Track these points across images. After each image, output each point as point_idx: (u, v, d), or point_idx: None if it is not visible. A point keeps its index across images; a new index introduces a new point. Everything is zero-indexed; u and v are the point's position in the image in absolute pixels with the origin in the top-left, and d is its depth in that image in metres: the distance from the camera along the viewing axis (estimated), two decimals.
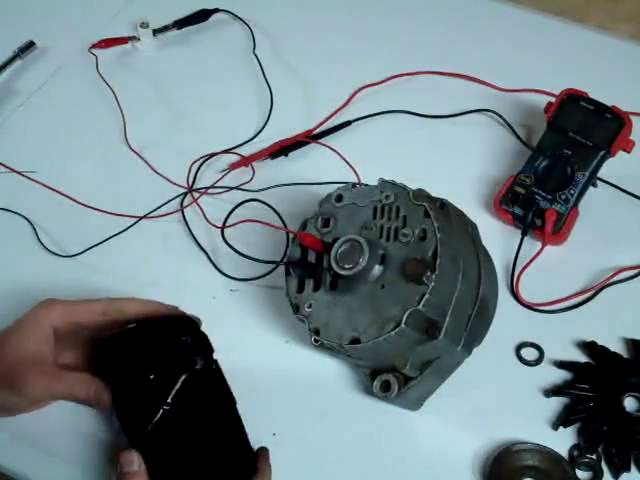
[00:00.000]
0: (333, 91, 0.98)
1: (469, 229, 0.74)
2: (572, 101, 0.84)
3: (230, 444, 0.65)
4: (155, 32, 1.03)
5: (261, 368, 0.76)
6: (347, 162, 0.88)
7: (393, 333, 0.66)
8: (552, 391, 0.74)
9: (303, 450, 0.72)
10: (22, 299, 0.75)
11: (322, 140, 0.93)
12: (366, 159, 0.88)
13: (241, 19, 1.06)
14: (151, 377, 0.63)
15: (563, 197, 0.82)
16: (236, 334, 0.78)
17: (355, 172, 0.87)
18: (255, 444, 0.67)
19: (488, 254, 0.77)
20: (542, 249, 0.82)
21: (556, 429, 0.72)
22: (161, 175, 0.91)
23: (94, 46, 1.02)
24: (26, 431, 0.72)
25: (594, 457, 0.71)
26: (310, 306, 0.71)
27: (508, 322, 0.77)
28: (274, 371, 0.77)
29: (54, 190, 0.89)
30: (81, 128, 0.96)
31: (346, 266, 0.69)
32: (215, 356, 0.67)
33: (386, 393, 0.71)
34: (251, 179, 0.90)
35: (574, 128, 0.83)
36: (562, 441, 0.72)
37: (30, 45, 1.02)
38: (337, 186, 0.76)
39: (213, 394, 0.65)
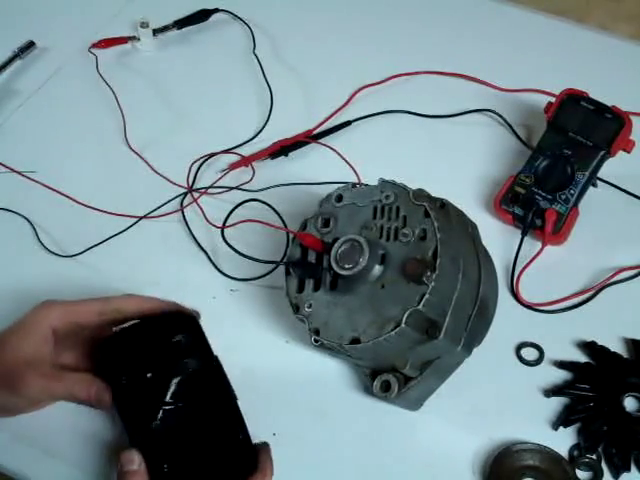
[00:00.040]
0: (333, 91, 0.98)
1: (469, 229, 0.74)
2: (572, 101, 0.84)
3: (230, 440, 0.65)
4: (155, 32, 1.03)
5: (261, 368, 0.76)
6: (347, 162, 0.88)
7: (393, 333, 0.66)
8: (552, 391, 0.74)
9: (303, 450, 0.72)
10: (22, 299, 0.75)
11: (322, 140, 0.93)
12: (366, 159, 0.88)
13: (241, 19, 1.06)
14: (148, 375, 0.63)
15: (563, 197, 0.82)
16: (236, 334, 0.78)
17: (355, 172, 0.87)
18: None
19: (488, 254, 0.77)
20: (542, 249, 0.82)
21: (556, 429, 0.72)
22: (161, 175, 0.91)
23: (94, 46, 1.02)
24: (26, 431, 0.72)
25: (594, 457, 0.71)
26: (310, 306, 0.71)
27: (508, 322, 0.77)
28: (274, 371, 0.77)
29: (54, 190, 0.89)
30: (81, 128, 0.96)
31: (346, 266, 0.69)
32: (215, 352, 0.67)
33: (386, 393, 0.71)
34: (251, 179, 0.90)
35: (574, 128, 0.83)
36: (562, 441, 0.72)
37: (30, 45, 1.03)
38: (337, 186, 0.76)
39: (213, 390, 0.65)
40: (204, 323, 0.68)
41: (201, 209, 0.87)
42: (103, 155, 0.94)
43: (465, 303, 0.70)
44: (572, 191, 0.82)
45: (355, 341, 0.68)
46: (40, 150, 0.94)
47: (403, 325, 0.65)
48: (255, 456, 0.65)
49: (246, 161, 0.91)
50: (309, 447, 0.73)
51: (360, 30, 1.05)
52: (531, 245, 0.83)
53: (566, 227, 0.82)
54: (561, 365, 0.76)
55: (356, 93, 0.97)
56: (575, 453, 0.71)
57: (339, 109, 0.96)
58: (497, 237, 0.84)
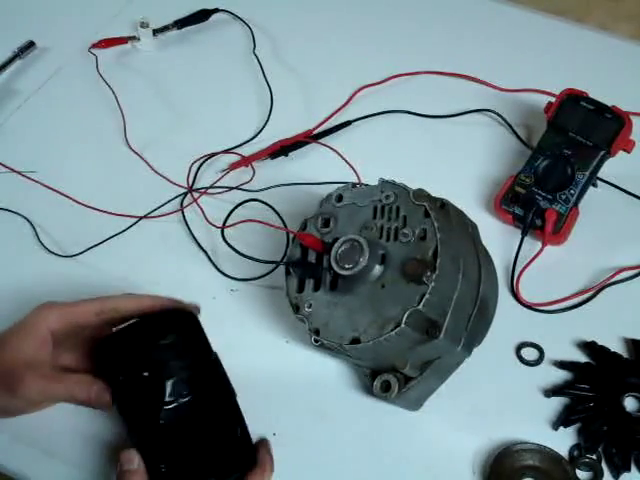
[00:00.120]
0: (333, 91, 0.98)
1: (469, 229, 0.74)
2: (572, 101, 0.84)
3: (229, 437, 0.65)
4: (155, 32, 1.03)
5: (261, 368, 0.76)
6: (347, 162, 0.88)
7: (393, 333, 0.66)
8: (552, 391, 0.74)
9: (303, 450, 0.72)
10: (22, 299, 0.75)
11: (322, 140, 0.93)
12: (366, 159, 0.88)
13: (241, 19, 1.06)
14: (145, 374, 0.63)
15: (563, 197, 0.82)
16: (236, 334, 0.78)
17: (355, 172, 0.87)
18: None
19: (488, 254, 0.77)
20: (542, 249, 0.82)
21: (556, 429, 0.72)
22: (161, 175, 0.91)
23: (94, 46, 1.02)
24: (26, 432, 0.72)
25: (594, 457, 0.71)
26: (310, 306, 0.71)
27: (508, 322, 0.77)
28: (274, 371, 0.77)
29: (54, 190, 0.89)
30: (81, 128, 0.96)
31: (346, 266, 0.69)
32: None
33: (386, 393, 0.71)
34: (251, 179, 0.90)
35: (574, 128, 0.83)
36: (562, 441, 0.72)
37: (30, 45, 1.03)
38: (337, 186, 0.76)
39: (211, 387, 0.65)
40: (204, 323, 0.68)
41: (201, 209, 0.87)
42: (103, 155, 0.94)
43: (465, 303, 0.70)
44: (572, 191, 0.82)
45: (355, 341, 0.68)
46: (40, 150, 0.94)
47: (403, 325, 0.65)
48: (254, 452, 0.65)
49: (246, 161, 0.91)
50: (309, 447, 0.73)
51: (360, 30, 1.05)
52: (531, 245, 0.83)
53: (566, 227, 0.82)
54: (561, 365, 0.76)
55: (356, 93, 0.97)
56: (575, 453, 0.71)
57: (339, 109, 0.96)
58: (497, 237, 0.84)
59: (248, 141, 0.94)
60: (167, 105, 0.98)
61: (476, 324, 0.71)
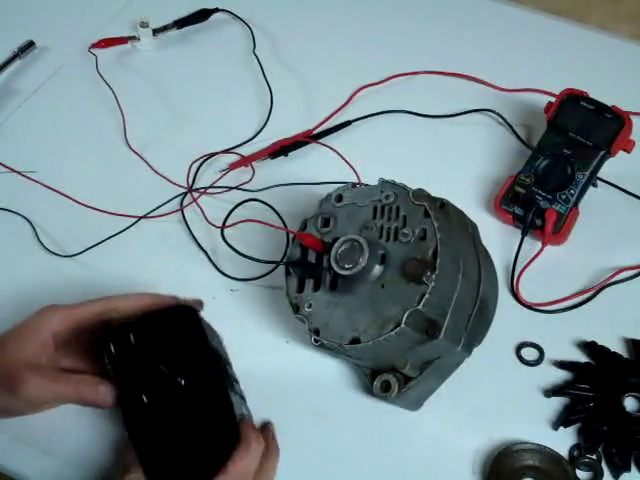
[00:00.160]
0: (333, 91, 0.98)
1: (469, 229, 0.74)
2: (572, 101, 0.84)
3: (214, 419, 0.64)
4: (155, 32, 1.03)
5: (261, 368, 0.76)
6: (347, 162, 0.88)
7: (393, 333, 0.66)
8: (552, 391, 0.74)
9: (303, 450, 0.72)
10: (22, 299, 0.75)
11: (322, 140, 0.93)
12: (366, 159, 0.88)
13: (241, 19, 1.06)
14: (145, 368, 0.64)
15: (563, 197, 0.82)
16: (236, 334, 0.77)
17: (355, 172, 0.87)
18: None
19: (488, 254, 0.77)
20: (542, 249, 0.82)
21: (556, 429, 0.72)
22: (161, 175, 0.91)
23: (94, 46, 1.02)
24: (26, 432, 0.72)
25: (594, 457, 0.71)
26: (310, 306, 0.71)
27: (508, 322, 0.77)
28: (274, 371, 0.77)
29: (54, 190, 0.89)
30: (81, 128, 0.96)
31: (346, 266, 0.69)
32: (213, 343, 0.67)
33: (386, 393, 0.71)
34: (251, 179, 0.90)
35: (574, 128, 0.83)
36: (562, 441, 0.72)
37: (30, 45, 1.03)
38: (337, 186, 0.76)
39: (203, 376, 0.65)
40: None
41: (201, 209, 0.87)
42: (103, 155, 0.94)
43: (465, 303, 0.70)
44: (572, 191, 0.82)
45: (355, 341, 0.68)
46: (40, 150, 0.94)
47: (403, 325, 0.65)
48: (236, 429, 0.64)
49: (246, 161, 0.91)
50: (309, 447, 0.73)
51: (360, 30, 1.05)
52: (531, 245, 0.83)
53: (566, 227, 0.82)
54: (561, 365, 0.76)
55: (356, 93, 0.97)
56: (575, 453, 0.71)
57: (339, 109, 0.96)
58: (497, 237, 0.84)
59: (248, 141, 0.94)
60: (167, 105, 0.98)
61: (476, 324, 0.71)
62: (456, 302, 0.68)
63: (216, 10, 1.06)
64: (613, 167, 0.84)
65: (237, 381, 0.69)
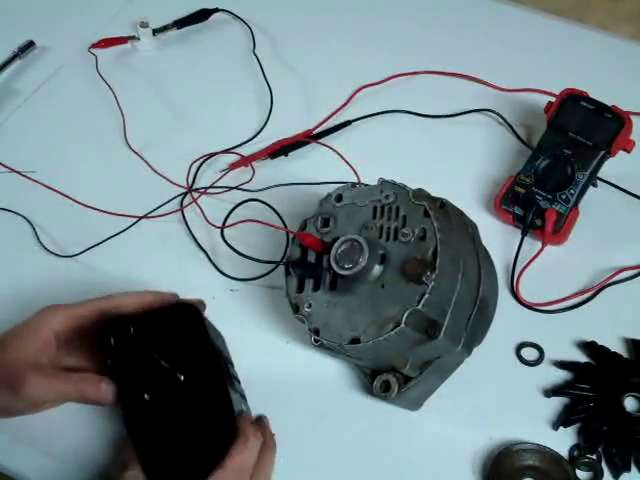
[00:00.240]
0: (333, 91, 0.98)
1: (469, 229, 0.74)
2: (572, 101, 0.84)
3: (212, 415, 0.64)
4: (155, 32, 1.03)
5: (261, 368, 0.76)
6: (347, 162, 0.88)
7: (393, 333, 0.66)
8: (552, 391, 0.74)
9: (303, 450, 0.72)
10: (22, 299, 0.75)
11: (322, 140, 0.93)
12: (366, 159, 0.88)
13: (241, 19, 1.06)
14: (145, 363, 0.64)
15: (563, 197, 0.82)
16: (236, 334, 0.77)
17: (355, 172, 0.87)
18: None
19: (488, 254, 0.77)
20: (542, 249, 0.82)
21: (556, 429, 0.72)
22: (161, 175, 0.91)
23: (94, 46, 1.02)
24: (26, 432, 0.72)
25: (594, 457, 0.70)
26: (310, 306, 0.71)
27: (508, 322, 0.77)
28: (274, 371, 0.77)
29: (54, 190, 0.89)
30: (81, 128, 0.96)
31: (346, 266, 0.69)
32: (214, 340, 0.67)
33: (386, 393, 0.71)
34: (251, 179, 0.90)
35: (574, 128, 0.83)
36: (562, 441, 0.72)
37: (30, 45, 1.03)
38: (337, 186, 0.76)
39: (203, 372, 0.65)
40: None
41: (201, 209, 0.87)
42: (103, 155, 0.94)
43: (465, 303, 0.70)
44: (572, 191, 0.82)
45: (355, 341, 0.68)
46: (40, 150, 0.94)
47: (403, 325, 0.65)
48: (234, 424, 0.64)
49: (246, 161, 0.91)
50: (309, 447, 0.73)
51: (360, 30, 1.05)
52: (531, 245, 0.83)
53: (566, 227, 0.82)
54: (561, 365, 0.76)
55: (356, 93, 0.97)
56: (575, 453, 0.71)
57: (339, 109, 0.96)
58: (497, 237, 0.84)
59: (248, 141, 0.94)
60: (167, 105, 0.98)
61: (476, 324, 0.71)
62: (456, 302, 0.68)
63: (216, 10, 1.06)
64: (613, 167, 0.84)
65: (238, 381, 0.69)
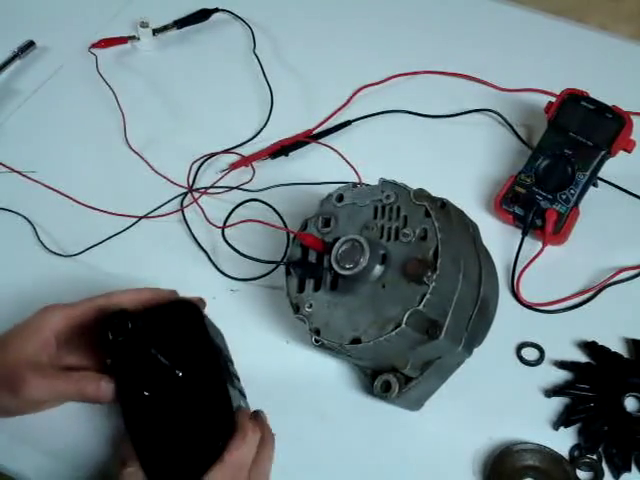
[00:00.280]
0: (333, 91, 0.98)
1: (470, 229, 0.74)
2: (573, 101, 0.84)
3: (211, 410, 0.64)
4: (155, 32, 1.03)
5: (261, 368, 0.76)
6: (347, 162, 0.88)
7: (394, 333, 0.66)
8: (553, 391, 0.74)
9: (303, 450, 0.72)
10: (22, 299, 0.75)
11: (322, 140, 0.93)
12: (366, 159, 0.88)
13: (241, 19, 1.06)
14: (145, 359, 0.64)
15: (564, 197, 0.82)
16: (236, 334, 0.77)
17: (355, 172, 0.87)
18: None
19: (489, 254, 0.77)
20: (542, 249, 0.82)
21: (557, 429, 0.72)
22: (161, 175, 0.91)
23: (94, 46, 1.02)
24: (27, 432, 0.72)
25: (595, 457, 0.71)
26: (310, 306, 0.71)
27: (509, 322, 0.77)
28: (274, 371, 0.77)
29: (54, 190, 0.89)
30: (81, 128, 0.96)
31: (347, 266, 0.69)
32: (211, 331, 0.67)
33: (386, 393, 0.71)
34: (251, 179, 0.90)
35: (575, 128, 0.83)
36: (563, 441, 0.72)
37: (30, 45, 1.03)
38: (338, 186, 0.76)
39: (203, 369, 0.65)
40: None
41: (201, 209, 0.87)
42: (103, 155, 0.94)
43: (466, 303, 0.70)
44: (572, 191, 0.82)
45: (356, 341, 0.68)
46: (40, 150, 0.94)
47: (404, 325, 0.65)
48: (232, 419, 0.64)
49: (246, 161, 0.91)
50: (309, 447, 0.73)
51: (360, 30, 1.05)
52: (531, 245, 0.83)
53: (566, 227, 0.82)
54: (561, 365, 0.76)
55: (356, 93, 0.97)
56: (576, 453, 0.71)
57: (339, 109, 0.96)
58: (497, 237, 0.84)
59: (248, 141, 0.94)
60: (167, 105, 0.98)
61: (476, 324, 0.71)
62: (457, 302, 0.68)
63: (216, 10, 1.06)
64: (613, 167, 0.84)
65: (238, 378, 0.69)
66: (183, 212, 0.88)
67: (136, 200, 0.88)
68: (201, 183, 0.90)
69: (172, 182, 0.90)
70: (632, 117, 0.82)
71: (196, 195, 0.89)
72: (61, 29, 1.06)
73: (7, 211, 0.88)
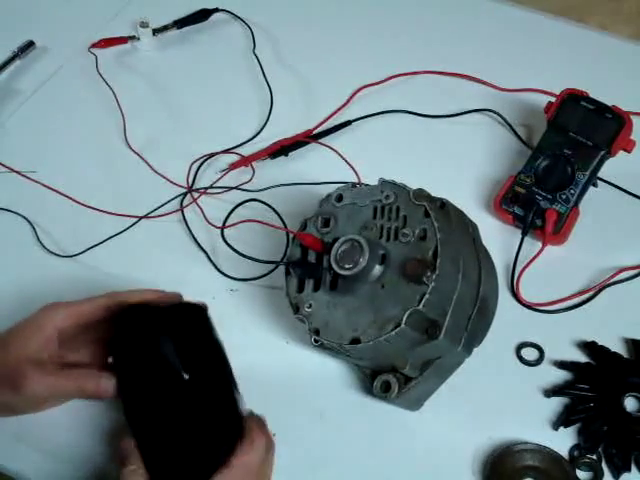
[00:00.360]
0: (333, 91, 0.98)
1: (469, 229, 0.74)
2: (572, 101, 0.84)
3: (220, 414, 0.64)
4: (155, 32, 1.03)
5: (261, 368, 0.76)
6: (347, 162, 0.88)
7: (393, 333, 0.66)
8: (552, 391, 0.74)
9: (303, 450, 0.72)
10: (22, 299, 0.75)
11: (322, 140, 0.93)
12: (366, 159, 0.88)
13: (241, 19, 1.06)
14: (150, 359, 0.64)
15: (563, 197, 0.82)
16: (236, 334, 0.77)
17: (355, 172, 0.87)
18: None
19: (488, 254, 0.77)
20: (542, 249, 0.82)
21: (556, 429, 0.72)
22: (161, 175, 0.91)
23: (94, 46, 1.02)
24: (26, 432, 0.72)
25: (594, 457, 0.71)
26: (310, 306, 0.71)
27: (508, 322, 0.77)
28: (274, 371, 0.77)
29: (54, 190, 0.89)
30: (81, 128, 0.96)
31: (346, 266, 0.69)
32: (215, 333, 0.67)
33: (386, 393, 0.71)
34: (251, 179, 0.90)
35: (574, 128, 0.83)
36: (562, 441, 0.72)
37: (30, 45, 1.03)
38: (337, 186, 0.76)
39: (210, 373, 0.65)
40: None
41: (201, 209, 0.87)
42: (103, 155, 0.94)
43: (465, 303, 0.70)
44: (572, 191, 0.82)
45: (355, 341, 0.68)
46: (40, 150, 0.94)
47: (403, 325, 0.65)
48: (241, 424, 0.64)
49: (246, 161, 0.91)
50: (309, 447, 0.73)
51: (360, 30, 1.05)
52: (531, 245, 0.83)
53: (566, 227, 0.82)
54: (561, 365, 0.76)
55: (356, 93, 0.97)
56: (575, 453, 0.71)
57: (339, 109, 0.96)
58: (497, 237, 0.84)
59: (248, 141, 0.94)
60: (167, 105, 0.98)
61: (476, 324, 0.71)
62: (456, 302, 0.68)
63: (216, 10, 1.06)
64: (613, 167, 0.84)
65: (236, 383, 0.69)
66: (183, 212, 0.88)
67: (136, 200, 0.88)
68: (201, 183, 0.90)
69: (172, 182, 0.90)
70: (632, 117, 0.82)
71: (196, 195, 0.89)
72: (61, 29, 1.06)
73: (7, 211, 0.88)
